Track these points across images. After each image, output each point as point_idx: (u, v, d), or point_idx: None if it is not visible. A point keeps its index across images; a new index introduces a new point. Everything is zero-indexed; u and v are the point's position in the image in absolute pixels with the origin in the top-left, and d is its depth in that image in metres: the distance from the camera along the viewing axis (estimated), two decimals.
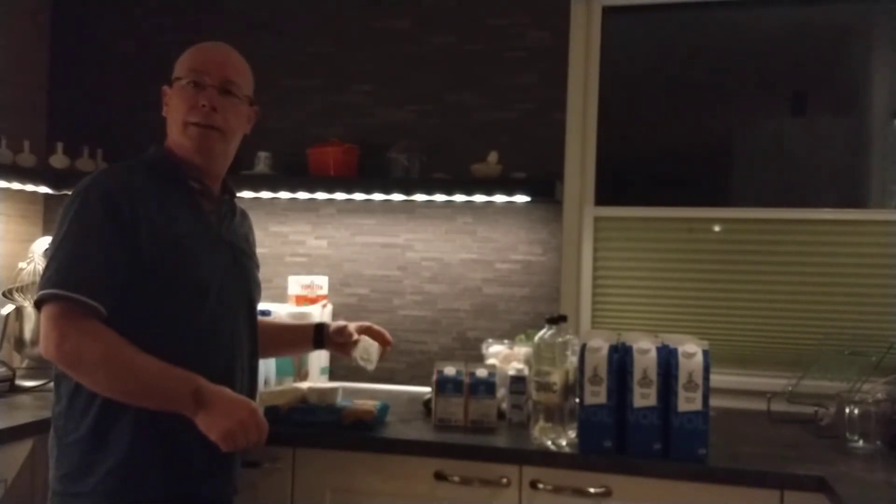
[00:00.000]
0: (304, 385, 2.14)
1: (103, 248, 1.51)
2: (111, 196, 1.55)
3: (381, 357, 2.01)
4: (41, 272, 1.55)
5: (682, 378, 1.78)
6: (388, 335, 2.04)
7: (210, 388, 1.50)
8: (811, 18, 2.65)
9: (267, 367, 2.34)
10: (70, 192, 1.61)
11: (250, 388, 1.77)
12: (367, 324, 2.05)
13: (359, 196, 2.63)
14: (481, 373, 2.09)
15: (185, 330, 1.59)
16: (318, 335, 2.02)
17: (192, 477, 1.60)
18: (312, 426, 1.99)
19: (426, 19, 2.73)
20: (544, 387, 1.90)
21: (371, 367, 1.99)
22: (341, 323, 2.04)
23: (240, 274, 1.75)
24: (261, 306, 2.35)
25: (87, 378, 1.50)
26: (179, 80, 1.68)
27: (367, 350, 2.00)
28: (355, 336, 1.99)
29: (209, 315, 1.63)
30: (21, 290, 2.52)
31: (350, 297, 2.75)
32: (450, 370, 2.09)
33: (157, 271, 1.56)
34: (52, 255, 1.53)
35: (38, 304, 1.51)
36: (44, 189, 2.78)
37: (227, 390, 1.54)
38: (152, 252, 1.55)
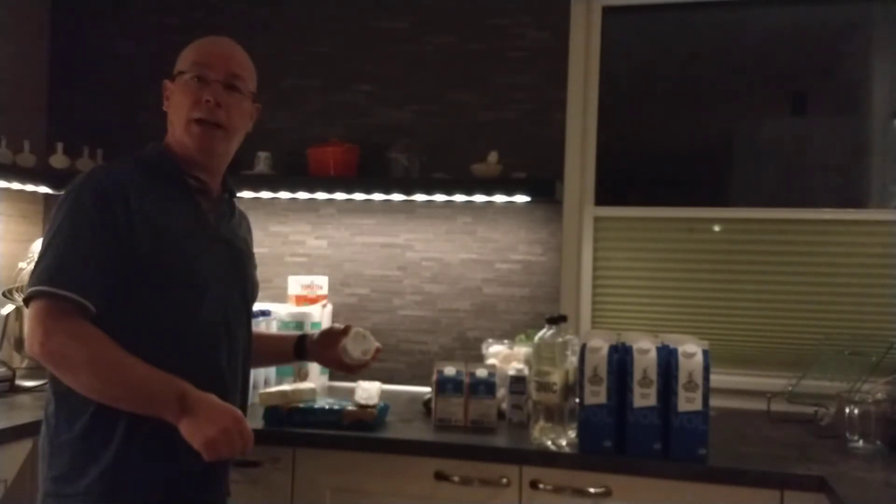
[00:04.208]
0: (303, 386, 2.14)
1: (96, 245, 1.48)
2: (105, 192, 1.51)
3: (374, 358, 1.98)
4: (32, 269, 1.51)
5: (682, 378, 1.78)
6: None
7: (195, 394, 1.45)
8: (811, 18, 2.65)
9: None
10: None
11: (243, 392, 1.74)
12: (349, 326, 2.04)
13: (359, 196, 2.63)
14: (481, 373, 2.09)
15: (179, 329, 1.56)
16: (299, 346, 1.96)
17: (184, 479, 1.57)
18: (312, 426, 1.99)
19: (426, 19, 2.73)
20: (544, 387, 1.90)
21: (373, 401, 2.05)
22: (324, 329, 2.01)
23: (238, 273, 1.72)
24: (261, 306, 2.37)
25: (70, 378, 1.46)
26: (183, 75, 1.64)
27: (368, 391, 2.07)
28: (344, 330, 1.93)
29: (205, 314, 1.60)
30: (21, 290, 2.51)
31: (350, 297, 2.75)
32: (450, 370, 2.09)
33: (152, 268, 1.53)
34: (42, 251, 1.50)
35: (27, 301, 1.48)
36: (44, 189, 2.78)
37: (213, 397, 1.47)
38: (147, 249, 1.52)
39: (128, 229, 1.51)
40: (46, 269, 1.47)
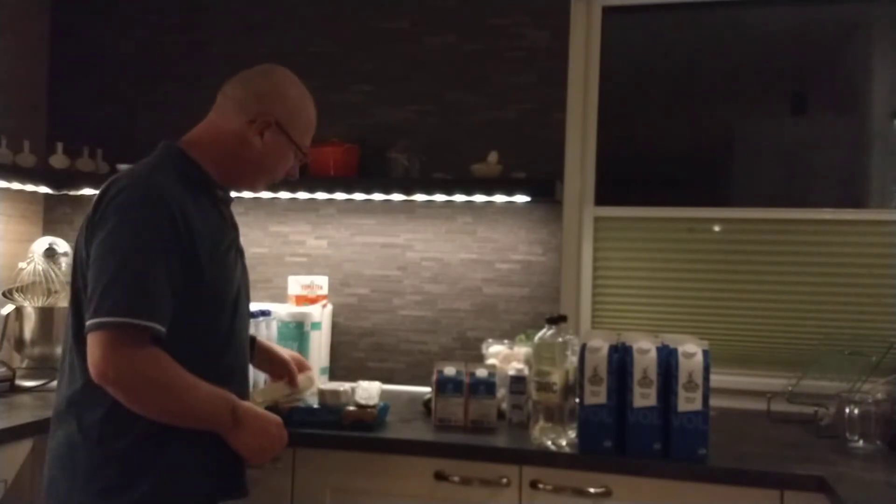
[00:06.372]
0: (317, 386, 2.13)
1: (169, 271, 1.47)
2: (171, 212, 1.49)
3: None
4: (98, 289, 1.44)
5: (682, 378, 1.78)
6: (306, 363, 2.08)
7: (243, 406, 1.56)
8: (811, 18, 2.65)
9: None
10: (99, 192, 1.54)
11: None
12: (295, 354, 2.08)
13: (359, 196, 2.63)
14: (481, 373, 2.09)
15: (221, 342, 1.61)
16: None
17: (235, 482, 1.63)
18: (312, 426, 1.99)
19: (426, 19, 2.73)
20: (544, 387, 1.90)
21: (373, 401, 2.05)
22: (274, 348, 2.02)
23: (248, 281, 1.78)
24: (261, 306, 2.39)
25: (139, 404, 1.45)
26: (299, 151, 1.75)
27: (368, 391, 2.06)
28: (297, 377, 2.00)
29: (238, 325, 1.66)
30: (21, 290, 2.51)
31: (350, 297, 2.75)
32: (450, 370, 2.09)
33: (205, 287, 1.55)
34: (114, 272, 1.44)
35: (98, 325, 1.43)
36: (44, 189, 2.78)
37: (255, 407, 1.61)
38: (206, 272, 1.54)
39: (191, 252, 1.51)
40: (126, 297, 1.43)
